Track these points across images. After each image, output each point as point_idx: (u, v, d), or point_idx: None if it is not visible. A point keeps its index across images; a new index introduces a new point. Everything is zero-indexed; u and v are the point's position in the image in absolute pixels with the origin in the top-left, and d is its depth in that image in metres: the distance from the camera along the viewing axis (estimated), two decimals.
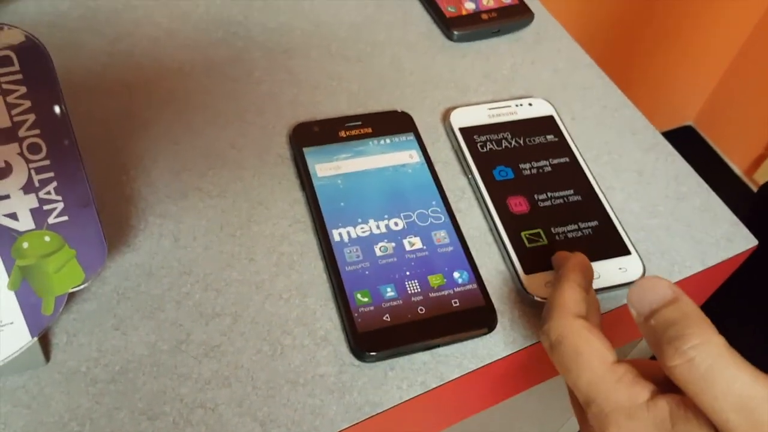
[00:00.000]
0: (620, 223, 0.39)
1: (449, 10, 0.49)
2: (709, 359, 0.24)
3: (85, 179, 0.29)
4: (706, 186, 0.43)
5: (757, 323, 0.50)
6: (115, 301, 0.34)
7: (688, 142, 1.56)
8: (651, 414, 0.25)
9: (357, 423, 0.32)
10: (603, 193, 0.40)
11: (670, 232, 0.40)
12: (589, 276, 0.33)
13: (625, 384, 0.26)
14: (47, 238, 0.28)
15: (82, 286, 0.30)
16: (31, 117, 0.27)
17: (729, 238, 0.41)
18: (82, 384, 0.31)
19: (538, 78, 0.47)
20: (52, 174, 0.28)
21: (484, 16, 0.49)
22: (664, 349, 0.25)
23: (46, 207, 0.28)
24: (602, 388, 0.27)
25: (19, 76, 0.26)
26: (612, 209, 0.40)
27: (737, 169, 1.55)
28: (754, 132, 1.49)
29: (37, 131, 0.27)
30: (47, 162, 0.28)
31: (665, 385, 0.26)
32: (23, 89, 0.26)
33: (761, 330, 0.50)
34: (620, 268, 0.37)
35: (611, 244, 0.38)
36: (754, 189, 1.51)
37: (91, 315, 0.33)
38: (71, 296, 0.33)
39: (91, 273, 0.30)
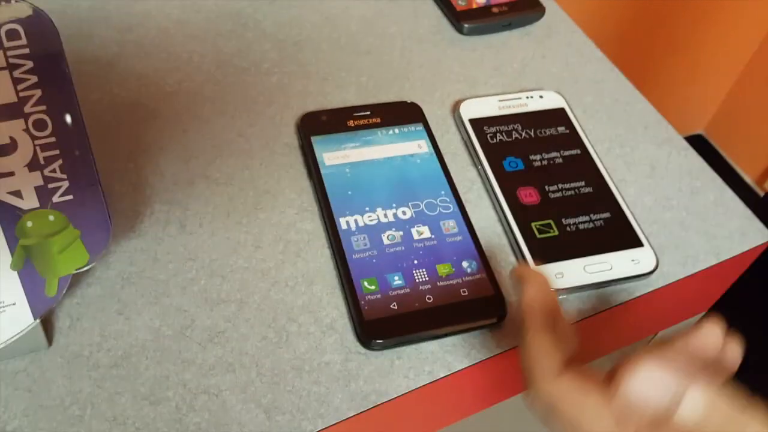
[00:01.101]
0: (633, 215, 0.38)
1: (460, 4, 0.49)
2: None
3: (91, 158, 0.28)
4: (720, 180, 0.42)
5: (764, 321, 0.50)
6: (120, 286, 0.33)
7: (698, 151, 1.55)
8: None
9: (363, 411, 0.31)
10: (615, 185, 0.40)
11: (683, 225, 0.40)
12: (550, 301, 0.30)
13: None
14: (51, 218, 0.28)
15: (86, 268, 0.30)
16: (38, 93, 0.27)
17: (743, 232, 0.40)
18: (84, 368, 0.31)
19: (548, 71, 0.47)
20: (57, 152, 0.28)
21: (495, 10, 0.48)
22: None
23: (51, 185, 0.28)
24: None
25: (26, 51, 0.26)
26: (624, 202, 0.39)
27: (748, 179, 1.53)
28: (765, 141, 1.48)
29: (43, 107, 0.27)
30: (53, 139, 0.27)
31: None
32: (30, 64, 0.26)
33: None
34: (633, 260, 0.36)
35: (624, 236, 0.37)
36: None
37: (95, 299, 0.33)
38: (75, 281, 0.33)
39: (96, 254, 0.30)
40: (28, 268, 0.29)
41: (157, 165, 0.39)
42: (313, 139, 0.39)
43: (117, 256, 0.35)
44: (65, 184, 0.28)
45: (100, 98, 0.41)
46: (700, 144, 1.58)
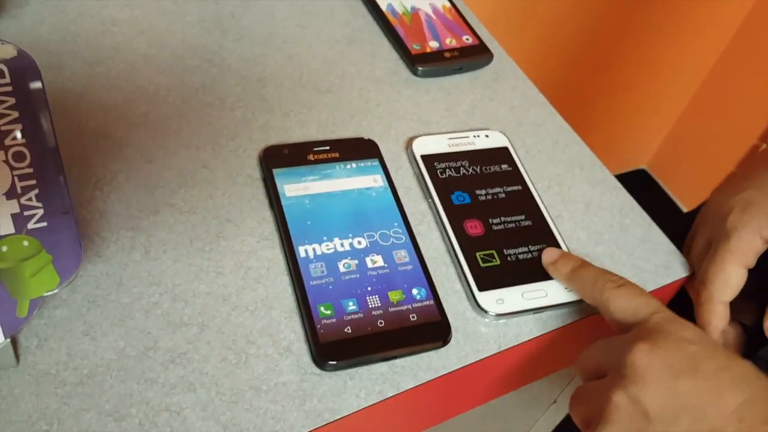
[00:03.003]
0: (567, 248, 0.42)
1: (414, 48, 0.52)
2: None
3: (66, 188, 0.30)
4: (648, 218, 0.47)
5: None
6: (86, 308, 0.35)
7: (641, 185, 1.63)
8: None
9: (316, 428, 0.33)
10: (552, 220, 0.43)
11: (613, 259, 0.43)
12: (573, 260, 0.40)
13: None
14: (26, 243, 0.30)
15: (55, 290, 0.31)
16: (18, 127, 0.29)
17: (667, 266, 0.44)
18: (51, 386, 0.32)
19: (495, 113, 0.51)
20: (34, 182, 0.30)
21: (447, 55, 0.52)
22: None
23: (26, 213, 0.30)
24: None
25: (9, 88, 0.28)
26: (560, 235, 0.43)
27: (687, 211, 1.61)
28: (704, 176, 1.56)
29: (22, 140, 0.29)
30: (30, 170, 0.29)
31: None
32: (12, 100, 0.28)
33: None
34: (566, 289, 0.40)
35: None
36: None
37: (62, 321, 0.34)
38: (42, 302, 0.34)
39: (66, 278, 0.31)
40: (0, 290, 0.30)
41: (123, 193, 0.41)
42: (275, 171, 0.42)
43: (83, 279, 0.36)
44: (40, 212, 0.30)
45: (69, 127, 0.43)
46: (643, 178, 1.66)
